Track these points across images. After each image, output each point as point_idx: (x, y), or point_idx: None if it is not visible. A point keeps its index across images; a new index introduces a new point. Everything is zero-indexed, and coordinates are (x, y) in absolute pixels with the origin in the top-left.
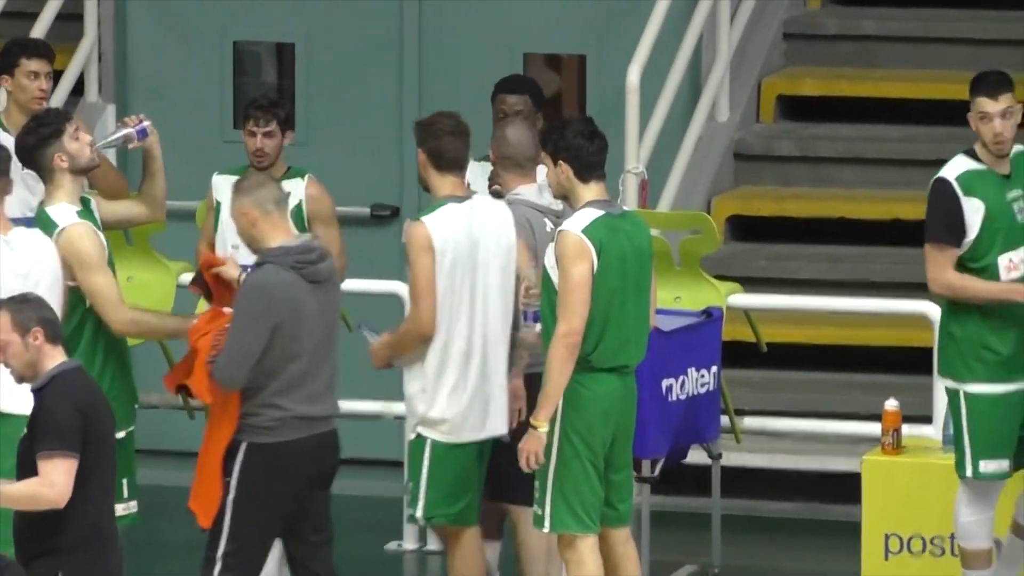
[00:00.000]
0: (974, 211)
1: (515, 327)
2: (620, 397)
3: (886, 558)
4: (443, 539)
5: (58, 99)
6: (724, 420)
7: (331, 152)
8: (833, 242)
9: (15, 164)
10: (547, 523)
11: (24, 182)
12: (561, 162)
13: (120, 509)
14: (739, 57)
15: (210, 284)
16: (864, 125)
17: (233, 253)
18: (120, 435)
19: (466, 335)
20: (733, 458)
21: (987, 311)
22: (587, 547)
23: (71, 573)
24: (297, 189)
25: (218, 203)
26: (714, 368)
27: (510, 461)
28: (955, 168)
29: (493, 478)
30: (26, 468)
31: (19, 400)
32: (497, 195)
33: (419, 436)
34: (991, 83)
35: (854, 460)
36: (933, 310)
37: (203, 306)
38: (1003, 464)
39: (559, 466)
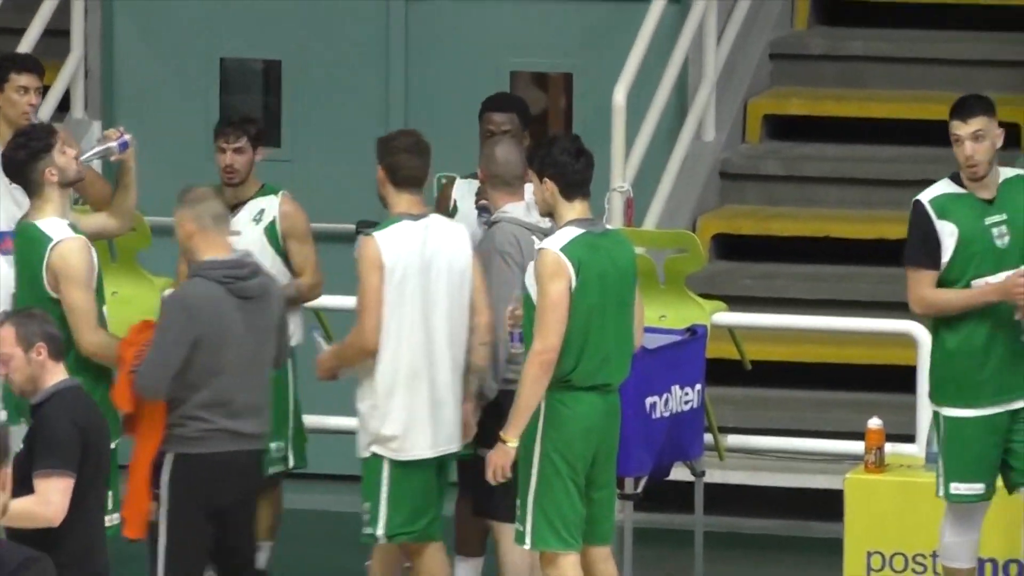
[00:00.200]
0: (948, 234)
1: (469, 350)
2: (602, 416)
3: (868, 575)
4: (407, 555)
5: (44, 114)
6: (708, 438)
7: (317, 168)
8: (818, 261)
9: (2, 179)
10: (528, 540)
11: (12, 196)
12: (546, 179)
13: (105, 521)
14: (725, 77)
15: None
16: (850, 145)
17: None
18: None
19: (417, 353)
20: (716, 475)
21: (966, 334)
22: (568, 564)
23: None
24: (271, 206)
25: None
26: (698, 386)
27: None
28: (932, 191)
29: (476, 494)
30: (22, 484)
31: None
32: (485, 211)
33: (374, 455)
34: (963, 106)
35: (837, 478)
36: (917, 329)
37: None
38: (975, 487)
39: (540, 484)
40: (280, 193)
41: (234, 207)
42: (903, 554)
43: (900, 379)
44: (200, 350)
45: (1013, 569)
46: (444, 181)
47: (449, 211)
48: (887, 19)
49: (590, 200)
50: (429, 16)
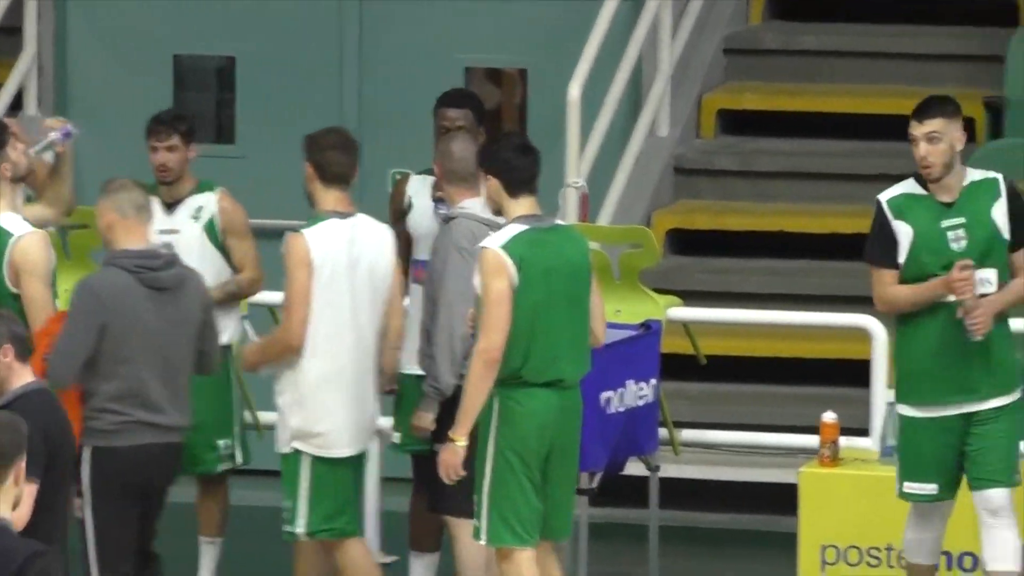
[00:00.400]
0: (903, 234)
1: (379, 352)
2: (556, 412)
3: (823, 569)
4: (327, 552)
5: None
6: (663, 432)
7: (271, 165)
8: (772, 256)
9: None
10: (484, 536)
11: None
12: (491, 177)
13: None
14: (680, 72)
15: None
16: (804, 140)
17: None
18: None
19: (343, 350)
20: (671, 470)
21: (921, 333)
22: (525, 559)
23: None
24: (209, 203)
25: None
26: (653, 380)
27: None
28: (892, 191)
29: (431, 490)
30: None
31: None
32: (441, 200)
33: (295, 451)
34: (920, 107)
35: (791, 472)
36: (871, 323)
37: None
38: (927, 488)
39: (494, 480)
40: (217, 189)
41: (171, 205)
42: (857, 547)
43: (854, 373)
44: (107, 338)
45: (968, 562)
46: (399, 177)
47: (404, 207)
48: (841, 14)
49: (538, 196)
50: (383, 12)
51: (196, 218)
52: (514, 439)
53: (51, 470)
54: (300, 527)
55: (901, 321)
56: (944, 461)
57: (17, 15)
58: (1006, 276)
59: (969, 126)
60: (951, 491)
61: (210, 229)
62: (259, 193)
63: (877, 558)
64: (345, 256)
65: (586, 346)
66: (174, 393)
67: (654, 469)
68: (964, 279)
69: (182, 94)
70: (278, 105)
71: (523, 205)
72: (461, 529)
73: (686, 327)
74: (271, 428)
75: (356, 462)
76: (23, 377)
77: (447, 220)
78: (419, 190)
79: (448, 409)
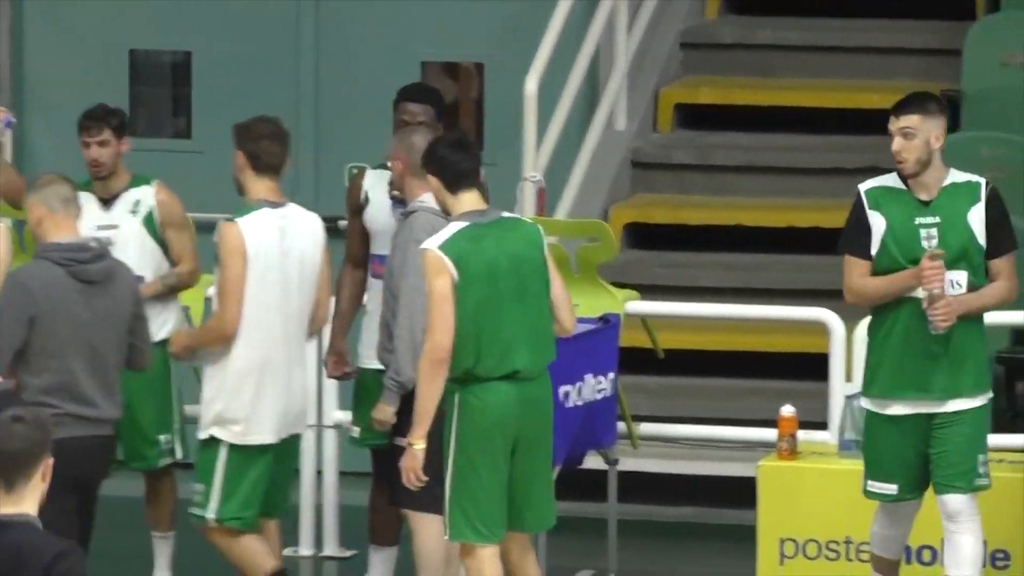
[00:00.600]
0: (877, 226)
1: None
2: (518, 404)
3: (781, 563)
4: (209, 537)
5: None
6: (621, 426)
7: (228, 159)
8: (729, 250)
9: None
10: (447, 532)
11: None
12: (430, 176)
13: None
14: (636, 66)
15: None
16: (760, 134)
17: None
18: None
19: (272, 339)
20: (630, 464)
21: (885, 329)
22: (486, 555)
23: None
24: (146, 196)
25: None
26: (611, 374)
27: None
28: (872, 182)
29: (391, 484)
30: None
31: None
32: (398, 201)
33: (212, 438)
34: (899, 102)
35: (750, 465)
36: (829, 317)
37: None
38: (888, 487)
39: (455, 477)
40: (153, 182)
41: (107, 201)
42: (816, 541)
43: (813, 367)
44: (37, 330)
45: (927, 555)
46: (355, 172)
47: (361, 202)
48: (797, 8)
49: (482, 191)
50: (339, 6)
51: (134, 212)
52: (474, 434)
53: None
54: (211, 512)
55: (872, 313)
56: (904, 460)
57: None
58: (984, 281)
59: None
60: (914, 492)
61: (149, 222)
62: (216, 188)
63: (836, 551)
64: (277, 246)
65: (544, 336)
66: (105, 386)
67: (613, 463)
68: (934, 269)
69: (138, 89)
70: (235, 100)
71: (465, 201)
72: (421, 523)
73: (644, 321)
74: None
75: (283, 450)
76: None
77: (406, 215)
78: (375, 184)
79: (409, 403)
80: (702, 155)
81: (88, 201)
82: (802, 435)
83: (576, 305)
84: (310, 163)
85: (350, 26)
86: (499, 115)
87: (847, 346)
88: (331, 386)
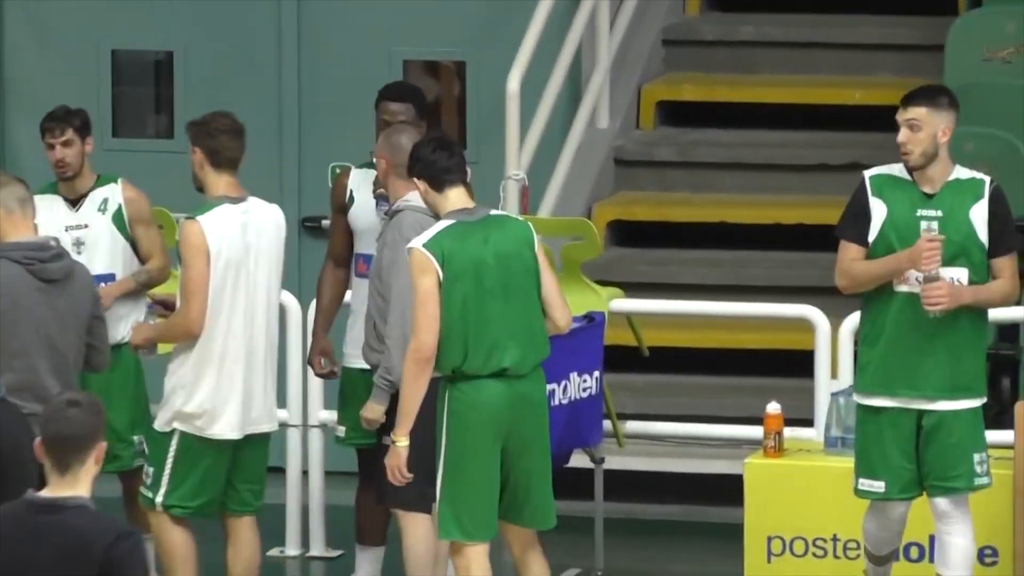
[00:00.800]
0: (877, 213)
1: None
2: (508, 402)
3: (769, 560)
4: (150, 518)
5: None
6: (607, 424)
7: None
8: (713, 247)
9: None
10: (437, 530)
11: None
12: (416, 179)
13: None
14: (619, 64)
15: None
16: (743, 131)
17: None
18: None
19: (235, 335)
20: (616, 462)
21: (880, 325)
22: (475, 554)
23: None
24: (114, 194)
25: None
26: (596, 372)
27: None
28: (879, 169)
29: (379, 483)
30: None
31: None
32: (383, 198)
33: (171, 429)
34: (908, 93)
35: (736, 463)
36: (814, 313)
37: None
38: (875, 484)
39: (445, 475)
40: (119, 180)
41: (75, 201)
42: (803, 538)
43: (798, 364)
44: (1, 329)
45: (914, 552)
46: (339, 171)
47: (345, 201)
48: (779, 4)
49: (468, 189)
50: (321, 5)
51: (103, 211)
52: (463, 432)
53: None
54: (159, 497)
55: (863, 308)
56: (894, 458)
57: None
58: (986, 280)
59: None
60: (903, 492)
61: (118, 220)
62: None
63: (823, 548)
64: (240, 241)
65: (533, 333)
66: (66, 385)
67: (599, 461)
68: (931, 248)
69: (121, 89)
70: (217, 100)
71: (452, 199)
72: (409, 522)
73: (629, 319)
74: None
75: (249, 447)
76: None
77: (393, 214)
78: (360, 184)
79: (393, 401)
80: (685, 152)
81: (55, 202)
82: (788, 432)
83: None
84: (293, 162)
85: (332, 26)
86: (481, 114)
87: (832, 343)
88: (316, 385)
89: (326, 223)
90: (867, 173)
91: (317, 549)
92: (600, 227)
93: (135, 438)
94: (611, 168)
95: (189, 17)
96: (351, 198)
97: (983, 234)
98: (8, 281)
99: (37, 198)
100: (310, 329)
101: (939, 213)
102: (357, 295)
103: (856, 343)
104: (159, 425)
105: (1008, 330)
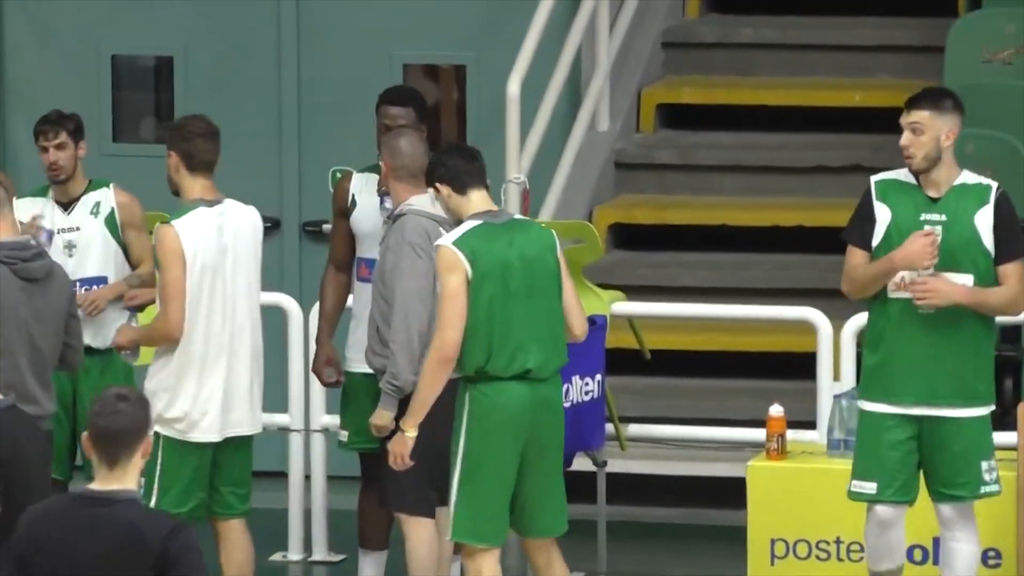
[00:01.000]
0: (882, 218)
1: None
2: (529, 405)
3: (772, 563)
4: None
5: None
6: (609, 427)
7: None
8: (714, 249)
9: None
10: (449, 531)
11: None
12: (438, 184)
13: None
14: (619, 66)
15: None
16: (743, 133)
17: None
18: None
19: (213, 339)
20: (618, 465)
21: (880, 330)
22: (486, 559)
23: None
24: (106, 198)
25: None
26: (598, 376)
27: (397, 470)
28: (884, 174)
29: (382, 487)
30: None
31: None
32: (387, 195)
33: (154, 434)
34: (912, 96)
35: (739, 466)
36: (816, 316)
37: None
38: (867, 486)
39: (463, 477)
40: (111, 185)
41: (67, 205)
42: (806, 541)
43: (800, 366)
44: None
45: (918, 554)
46: (340, 175)
47: (348, 205)
48: (778, 6)
49: (488, 192)
50: (320, 9)
51: (95, 214)
52: (483, 434)
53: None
54: (151, 503)
55: (869, 311)
56: (884, 460)
57: None
58: (992, 286)
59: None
60: (895, 495)
61: (111, 223)
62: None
63: (826, 551)
64: (215, 244)
65: (555, 338)
66: (44, 384)
67: (601, 464)
68: (926, 243)
69: (120, 94)
70: (216, 104)
71: (475, 202)
72: (412, 526)
73: (630, 322)
74: None
75: (232, 449)
76: None
77: (396, 218)
78: (362, 188)
79: (401, 406)
80: (685, 155)
81: (47, 206)
82: (790, 435)
83: None
84: (293, 166)
85: (331, 30)
86: (481, 117)
87: (834, 345)
88: (318, 390)
89: (327, 227)
90: (873, 178)
91: (320, 554)
92: (601, 230)
93: None
94: (611, 171)
95: (189, 21)
96: (353, 202)
97: (988, 240)
98: None
99: (28, 200)
100: (311, 332)
101: (943, 217)
102: (359, 299)
103: (859, 346)
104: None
105: (1011, 331)
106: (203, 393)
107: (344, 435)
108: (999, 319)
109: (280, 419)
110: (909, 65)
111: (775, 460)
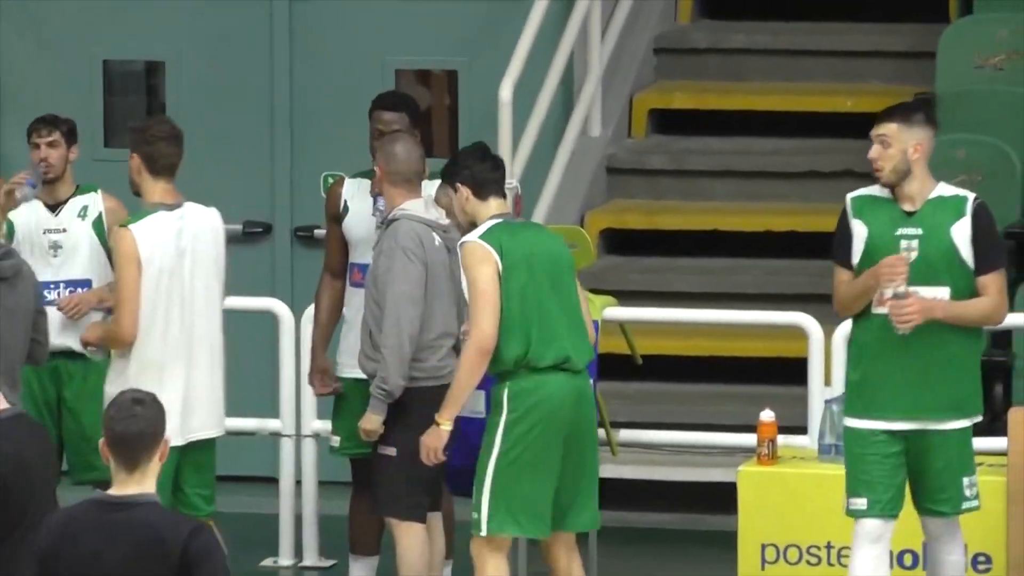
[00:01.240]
0: (859, 235)
1: None
2: (571, 396)
3: (763, 568)
4: None
5: None
6: (600, 433)
7: (202, 169)
8: (705, 255)
9: None
10: (484, 526)
11: None
12: (459, 185)
13: None
14: (611, 72)
15: None
16: (734, 138)
17: None
18: None
19: (170, 344)
20: (609, 470)
21: (862, 346)
22: (497, 554)
23: None
24: (94, 202)
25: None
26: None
27: (388, 475)
28: (860, 190)
29: (374, 493)
30: None
31: None
32: (381, 197)
33: None
34: (883, 110)
35: (730, 471)
36: (806, 321)
37: None
38: (858, 502)
39: (500, 470)
40: (99, 190)
41: (54, 207)
42: (797, 546)
43: (791, 371)
44: None
45: (908, 559)
46: (332, 181)
47: (340, 211)
48: (770, 12)
49: (506, 200)
50: (313, 15)
51: (83, 217)
52: (527, 428)
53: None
54: None
55: (852, 327)
56: (871, 476)
57: None
58: (971, 297)
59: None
60: (883, 511)
61: (98, 227)
62: (190, 198)
63: (817, 556)
64: (173, 247)
65: (583, 332)
66: (12, 382)
67: None
68: (891, 265)
69: (111, 99)
70: (208, 109)
71: (492, 206)
72: (403, 531)
73: (622, 327)
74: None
75: (193, 453)
76: None
77: (389, 222)
78: (354, 193)
79: (393, 412)
80: (677, 160)
81: (32, 204)
82: (781, 440)
83: None
84: (285, 171)
85: (323, 35)
86: (473, 123)
87: (825, 350)
88: (309, 395)
89: (318, 232)
90: (849, 195)
91: (311, 559)
92: (593, 235)
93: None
94: (603, 176)
95: (180, 26)
96: (345, 208)
97: (966, 252)
98: None
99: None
100: (302, 338)
101: (919, 231)
102: (352, 305)
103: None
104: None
105: (1000, 337)
106: (162, 398)
107: (336, 440)
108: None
109: (271, 424)
110: (901, 71)
111: (766, 465)
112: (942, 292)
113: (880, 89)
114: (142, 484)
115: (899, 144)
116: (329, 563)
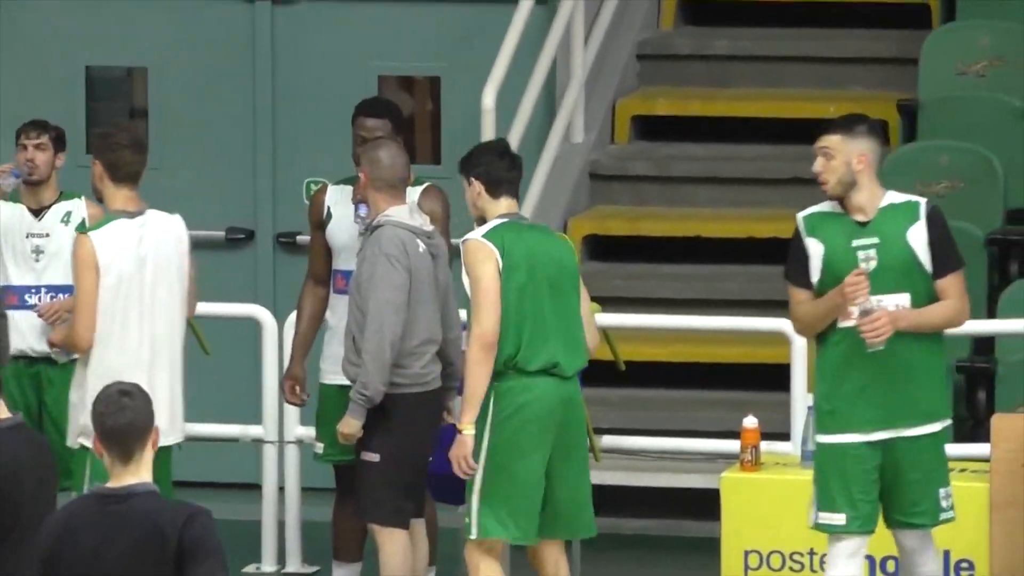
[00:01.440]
0: (815, 253)
1: None
2: (559, 401)
3: (746, 574)
4: None
5: None
6: None
7: (185, 176)
8: (688, 261)
9: None
10: (472, 530)
11: None
12: (473, 179)
13: None
14: (593, 78)
15: None
16: (717, 144)
17: None
18: None
19: (130, 352)
20: (592, 476)
21: (830, 362)
22: (488, 557)
23: None
24: (77, 208)
25: None
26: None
27: (371, 481)
28: (810, 208)
29: (357, 499)
30: None
31: None
32: (364, 204)
33: (82, 447)
34: (828, 122)
35: (713, 477)
36: (789, 327)
37: None
38: (836, 518)
39: (488, 472)
40: (83, 197)
41: (37, 212)
42: (780, 552)
43: (774, 377)
44: None
45: (891, 565)
46: (315, 187)
47: (323, 218)
48: (753, 18)
49: (518, 200)
50: (295, 21)
51: (66, 222)
52: (515, 429)
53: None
54: None
55: (817, 343)
56: (852, 491)
57: None
58: (932, 302)
59: (883, 129)
60: (862, 526)
61: (82, 231)
62: (172, 205)
63: (800, 563)
64: (133, 256)
65: (577, 338)
66: None
67: None
68: (855, 283)
69: (94, 105)
70: (190, 116)
71: (503, 206)
72: (385, 538)
73: (605, 333)
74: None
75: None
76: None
77: (372, 229)
78: (338, 200)
79: (373, 418)
80: (660, 166)
81: (15, 209)
82: (764, 446)
83: None
84: (267, 178)
85: (306, 41)
86: (456, 129)
87: (808, 356)
88: None
89: (301, 238)
90: (800, 215)
91: (293, 565)
92: (575, 241)
93: None
94: (586, 182)
95: (163, 32)
96: (328, 214)
97: (924, 256)
98: None
99: None
100: (285, 344)
101: (875, 240)
102: (336, 311)
103: None
104: (70, 441)
105: (983, 343)
106: None
107: (319, 447)
108: (971, 331)
109: (254, 431)
110: (884, 77)
111: (749, 471)
112: (902, 299)
113: (863, 95)
114: (138, 474)
115: (842, 156)
116: (312, 569)
